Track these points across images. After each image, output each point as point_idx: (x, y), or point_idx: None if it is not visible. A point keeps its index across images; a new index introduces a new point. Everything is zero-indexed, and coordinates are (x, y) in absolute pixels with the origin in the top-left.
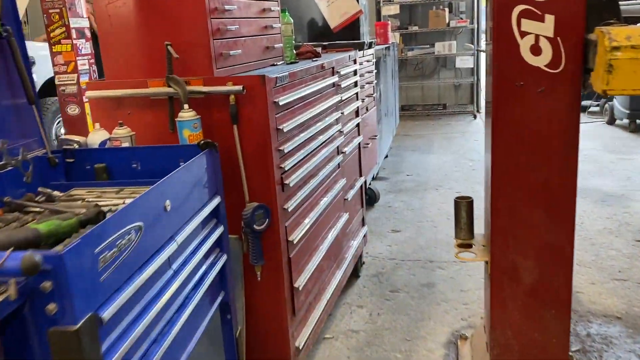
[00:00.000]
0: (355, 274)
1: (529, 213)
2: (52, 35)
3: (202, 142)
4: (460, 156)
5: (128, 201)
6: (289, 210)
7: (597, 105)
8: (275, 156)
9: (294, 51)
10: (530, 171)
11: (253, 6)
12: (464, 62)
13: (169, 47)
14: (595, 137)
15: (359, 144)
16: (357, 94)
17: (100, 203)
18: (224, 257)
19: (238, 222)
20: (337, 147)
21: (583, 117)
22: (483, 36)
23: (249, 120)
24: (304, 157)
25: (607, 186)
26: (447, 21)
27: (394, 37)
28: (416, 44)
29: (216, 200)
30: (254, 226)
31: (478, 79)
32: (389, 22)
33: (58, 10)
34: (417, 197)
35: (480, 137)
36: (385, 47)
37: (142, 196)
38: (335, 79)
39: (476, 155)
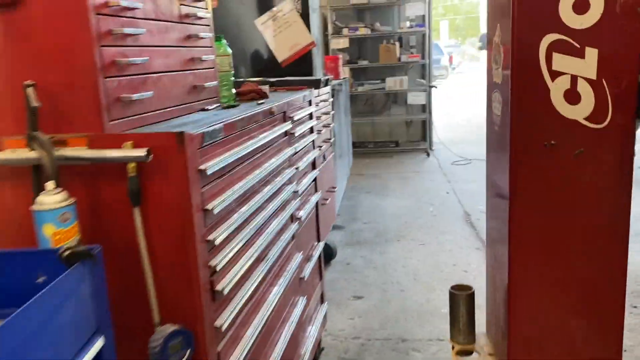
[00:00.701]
0: None
1: (562, 320)
2: None
3: (67, 251)
4: (419, 200)
5: None
6: (223, 329)
7: None
8: (201, 251)
9: (234, 91)
10: (565, 265)
11: (172, 30)
12: (416, 98)
13: (28, 89)
14: None
15: (317, 202)
16: (313, 141)
17: None
18: None
19: (143, 348)
20: (292, 214)
21: None
22: (434, 72)
23: (160, 199)
24: (246, 243)
25: None
26: (398, 56)
27: (344, 72)
28: (366, 79)
29: (97, 344)
30: None
31: (430, 115)
32: (340, 56)
33: None
34: (377, 251)
35: (436, 177)
36: (338, 84)
37: None
38: (287, 126)
39: (436, 199)
